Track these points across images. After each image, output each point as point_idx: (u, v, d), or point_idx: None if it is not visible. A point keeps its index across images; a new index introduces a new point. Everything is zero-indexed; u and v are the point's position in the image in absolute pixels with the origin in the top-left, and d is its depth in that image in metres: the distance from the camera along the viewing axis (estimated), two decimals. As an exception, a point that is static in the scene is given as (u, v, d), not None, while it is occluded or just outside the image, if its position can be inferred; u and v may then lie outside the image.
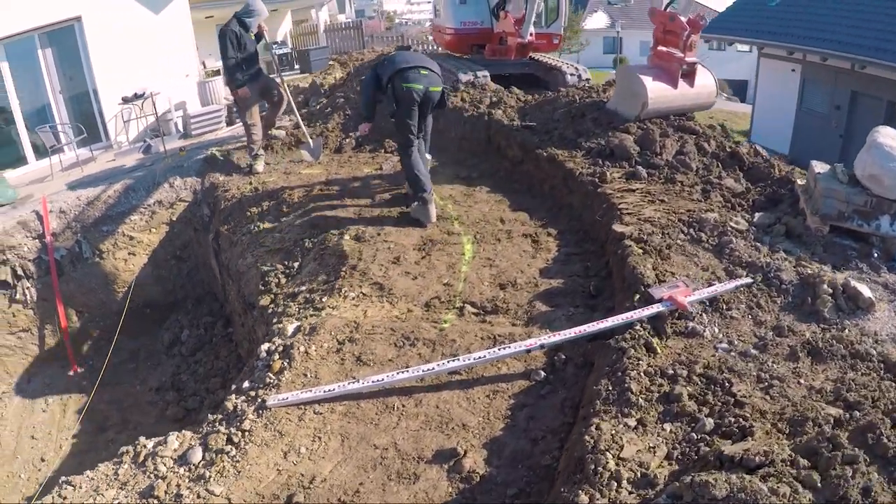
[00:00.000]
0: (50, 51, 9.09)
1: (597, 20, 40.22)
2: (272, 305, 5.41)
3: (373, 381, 3.73)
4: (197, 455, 3.42)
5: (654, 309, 3.70)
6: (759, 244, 4.40)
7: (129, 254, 8.72)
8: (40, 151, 9.40)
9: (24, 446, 7.39)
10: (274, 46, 14.09)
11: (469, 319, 4.56)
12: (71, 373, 8.35)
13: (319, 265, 5.57)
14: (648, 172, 5.62)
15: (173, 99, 10.31)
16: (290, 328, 4.52)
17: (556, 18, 9.68)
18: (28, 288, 8.19)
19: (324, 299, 4.86)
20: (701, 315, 3.77)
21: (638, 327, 3.66)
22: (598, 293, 4.62)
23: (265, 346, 4.34)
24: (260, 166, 8.05)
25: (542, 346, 3.83)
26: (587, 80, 8.98)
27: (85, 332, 8.74)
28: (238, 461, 3.36)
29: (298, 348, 4.15)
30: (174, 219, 8.82)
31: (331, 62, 13.76)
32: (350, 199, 6.73)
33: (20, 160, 9.41)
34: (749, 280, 3.95)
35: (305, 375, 3.95)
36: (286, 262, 6.07)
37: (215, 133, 10.13)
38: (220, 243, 7.88)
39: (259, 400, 3.75)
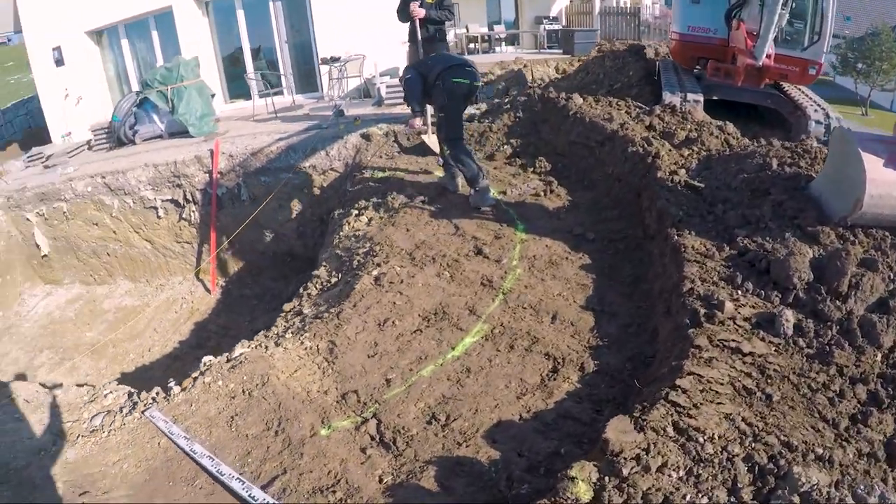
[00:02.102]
0: (280, 4, 9.57)
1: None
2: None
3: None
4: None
5: None
6: None
7: (279, 206, 8.93)
8: (256, 92, 10.17)
9: (146, 332, 8.35)
10: (545, 21, 12.92)
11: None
12: (210, 292, 9.02)
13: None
14: (800, 326, 3.05)
15: (383, 65, 10.06)
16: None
17: (818, 41, 6.39)
18: (193, 211, 8.99)
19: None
20: None
21: None
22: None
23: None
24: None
25: None
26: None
27: (231, 261, 9.36)
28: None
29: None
30: (325, 185, 8.72)
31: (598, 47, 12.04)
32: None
33: (244, 95, 10.29)
34: None
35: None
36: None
37: (404, 107, 9.60)
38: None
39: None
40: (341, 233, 6.41)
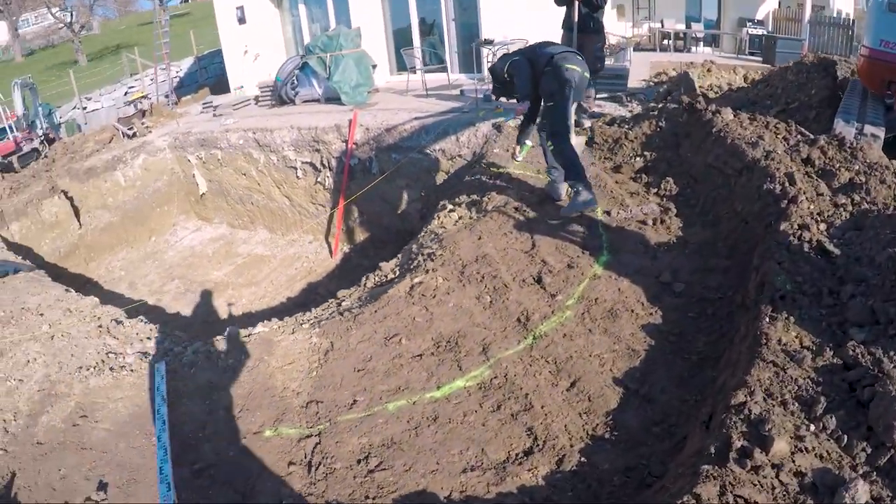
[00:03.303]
0: (451, -19, 9.33)
1: None
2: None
3: None
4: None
5: None
6: None
7: (406, 184, 8.81)
8: (419, 67, 10.08)
9: (263, 282, 8.90)
10: (748, 24, 11.14)
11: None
12: (332, 255, 9.31)
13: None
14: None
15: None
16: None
17: None
18: (327, 176, 9.27)
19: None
20: None
21: None
22: None
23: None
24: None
25: None
26: None
27: (358, 230, 9.55)
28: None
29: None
30: (451, 171, 8.37)
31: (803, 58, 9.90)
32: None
33: (411, 69, 10.30)
34: None
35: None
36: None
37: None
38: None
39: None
40: (429, 227, 6.02)
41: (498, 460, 2.78)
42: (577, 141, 6.49)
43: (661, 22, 11.34)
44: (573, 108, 5.33)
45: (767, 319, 3.01)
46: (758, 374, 2.66)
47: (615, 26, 11.34)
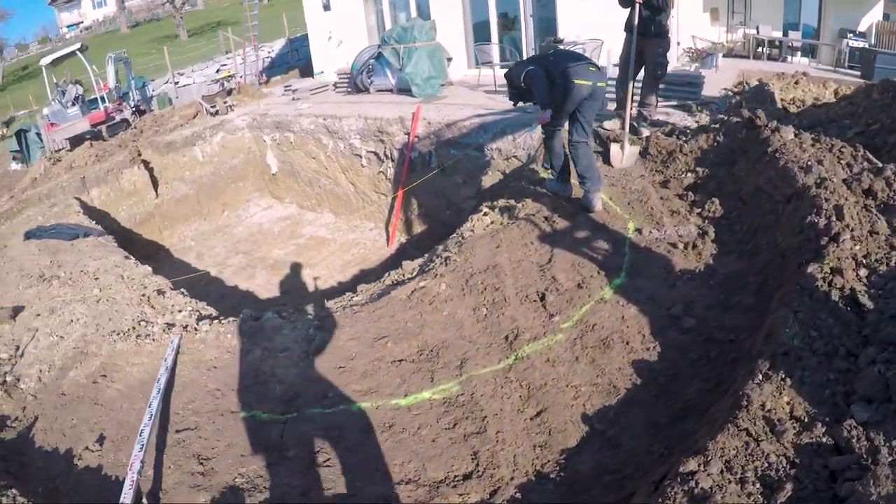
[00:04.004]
0: (530, -21, 9.10)
1: None
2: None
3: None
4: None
5: None
6: None
7: (463, 181, 8.76)
8: (496, 62, 9.95)
9: (318, 265, 9.20)
10: (849, 35, 10.04)
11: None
12: (388, 245, 9.49)
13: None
14: None
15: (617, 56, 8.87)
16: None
17: None
18: (389, 167, 9.40)
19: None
20: None
21: None
22: None
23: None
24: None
25: None
26: None
27: (416, 223, 9.65)
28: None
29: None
30: (507, 171, 8.23)
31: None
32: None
33: (486, 63, 10.22)
34: None
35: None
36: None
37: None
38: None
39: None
40: (461, 228, 5.96)
41: (435, 479, 2.73)
42: (630, 150, 6.16)
43: (757, 28, 10.44)
44: (591, 117, 5.32)
45: (760, 377, 2.71)
46: (724, 440, 2.40)
47: (708, 31, 10.57)
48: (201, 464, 3.29)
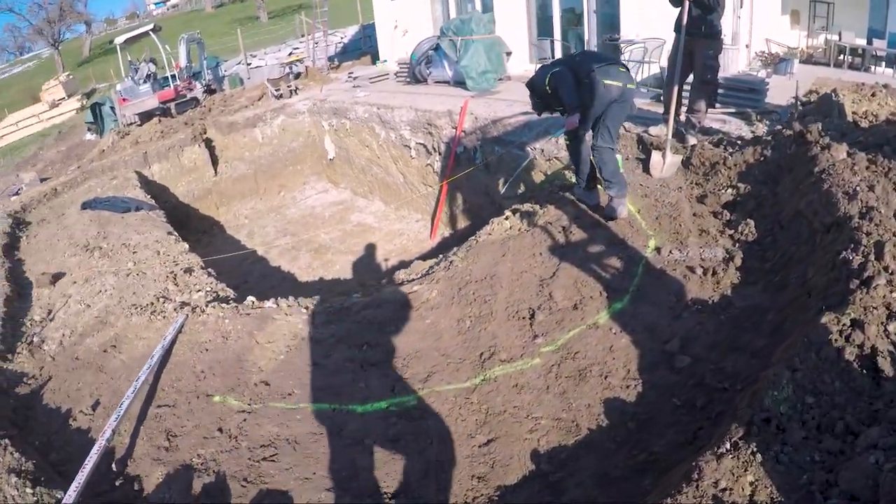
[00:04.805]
0: (593, -28, 8.66)
1: None
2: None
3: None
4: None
5: None
6: None
7: (504, 180, 8.56)
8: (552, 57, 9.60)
9: (362, 253, 9.26)
10: None
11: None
12: (430, 238, 9.50)
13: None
14: None
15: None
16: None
17: None
18: (436, 160, 9.34)
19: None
20: None
21: None
22: None
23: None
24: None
25: None
26: None
27: (461, 218, 9.58)
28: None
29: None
30: (548, 171, 7.96)
31: None
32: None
33: (542, 59, 9.92)
34: None
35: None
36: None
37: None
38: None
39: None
40: (481, 230, 5.81)
41: (366, 490, 2.68)
42: (672, 160, 5.75)
43: (839, 34, 9.41)
44: (618, 122, 5.09)
45: (725, 447, 2.39)
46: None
47: (787, 35, 9.66)
48: (168, 440, 3.44)
